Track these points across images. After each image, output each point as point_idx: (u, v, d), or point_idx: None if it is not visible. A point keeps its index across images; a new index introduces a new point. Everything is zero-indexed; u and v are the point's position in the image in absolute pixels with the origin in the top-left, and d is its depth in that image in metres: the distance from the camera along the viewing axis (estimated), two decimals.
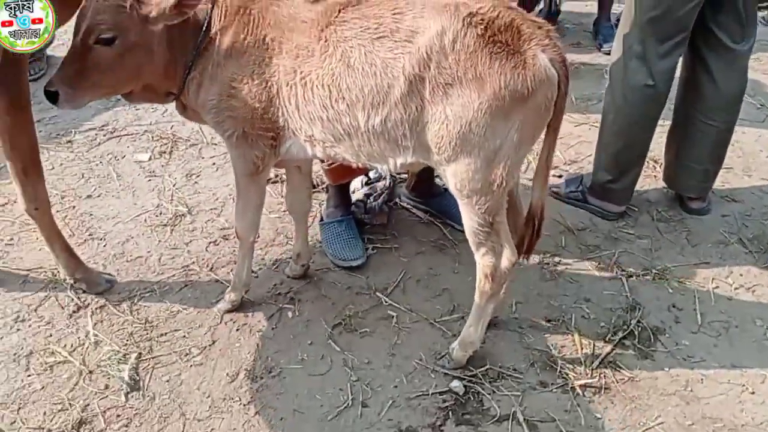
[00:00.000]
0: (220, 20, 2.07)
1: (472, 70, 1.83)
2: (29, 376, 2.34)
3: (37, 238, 2.70)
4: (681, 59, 2.86)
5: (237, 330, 2.53)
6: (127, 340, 2.47)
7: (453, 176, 2.01)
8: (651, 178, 3.36)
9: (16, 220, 2.95)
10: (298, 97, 2.03)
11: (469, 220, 2.09)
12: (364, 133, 2.01)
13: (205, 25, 2.08)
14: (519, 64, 1.83)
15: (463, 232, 2.88)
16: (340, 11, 1.98)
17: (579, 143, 3.64)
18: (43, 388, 2.30)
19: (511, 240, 2.18)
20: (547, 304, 2.66)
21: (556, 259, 2.88)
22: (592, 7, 5.04)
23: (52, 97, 2.02)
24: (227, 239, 2.94)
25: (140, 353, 2.42)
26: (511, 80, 1.83)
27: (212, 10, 2.08)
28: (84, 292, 2.63)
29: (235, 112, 2.11)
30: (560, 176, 3.31)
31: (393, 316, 2.59)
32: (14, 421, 2.19)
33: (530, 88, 1.85)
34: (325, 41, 1.97)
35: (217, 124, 2.19)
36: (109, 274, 2.71)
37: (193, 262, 2.82)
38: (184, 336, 2.50)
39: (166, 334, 2.51)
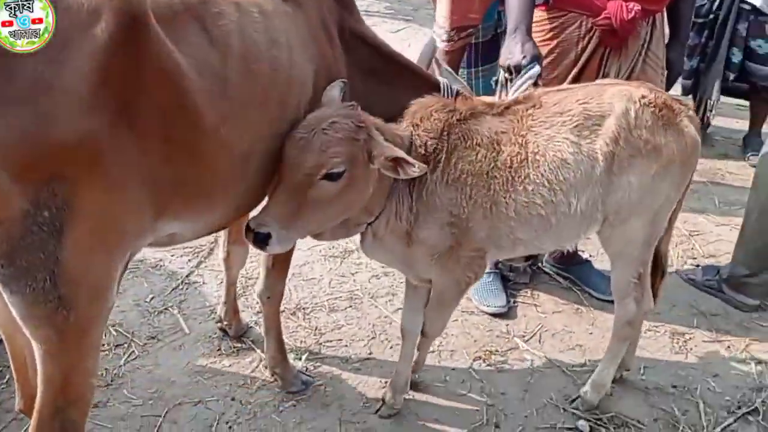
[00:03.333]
0: (423, 146, 2.10)
1: (652, 142, 2.16)
2: (220, 354, 2.83)
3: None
4: None
5: (391, 348, 2.91)
6: (301, 342, 2.91)
7: (621, 236, 2.27)
8: None
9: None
10: (518, 202, 2.11)
11: (622, 274, 2.38)
12: (572, 218, 2.16)
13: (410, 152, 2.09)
14: (679, 133, 2.20)
15: (598, 299, 3.21)
16: (529, 115, 2.15)
17: (718, 241, 3.84)
18: (230, 365, 2.78)
19: (650, 289, 2.46)
20: (675, 373, 2.84)
21: (687, 337, 3.07)
22: (741, 125, 5.28)
23: (263, 239, 1.91)
24: (387, 275, 3.37)
25: (310, 352, 2.85)
26: (678, 147, 2.19)
27: (412, 137, 2.11)
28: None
29: (454, 240, 2.13)
30: (698, 266, 3.51)
31: (529, 360, 2.88)
32: (207, 387, 2.66)
33: (689, 152, 2.23)
34: (534, 143, 2.12)
35: (427, 255, 2.17)
36: (309, 376, 2.72)
37: (358, 290, 3.27)
38: (346, 345, 2.92)
39: (331, 341, 2.94)
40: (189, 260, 3.41)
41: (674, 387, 2.76)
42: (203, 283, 3.27)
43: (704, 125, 5.13)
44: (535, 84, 2.43)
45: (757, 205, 3.17)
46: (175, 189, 1.74)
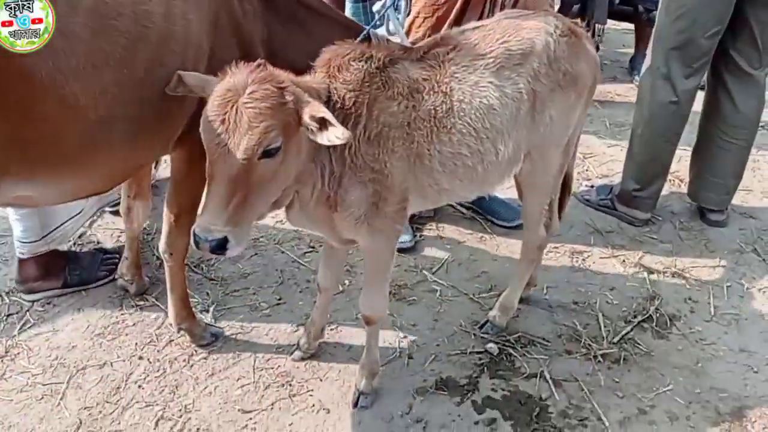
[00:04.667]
0: (342, 100, 1.88)
1: (570, 72, 2.14)
2: (122, 314, 2.72)
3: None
4: (705, 81, 3.23)
5: (300, 292, 2.89)
6: (206, 294, 2.84)
7: (540, 169, 2.26)
8: (675, 194, 3.68)
9: None
10: (443, 153, 2.00)
11: (536, 204, 2.43)
12: (499, 164, 2.09)
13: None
14: (588, 58, 2.22)
15: (501, 226, 3.28)
16: (450, 60, 2.02)
17: (611, 161, 3.99)
18: (134, 324, 2.68)
19: (557, 213, 2.55)
20: (575, 290, 2.97)
21: (585, 254, 3.20)
22: (627, 48, 5.46)
23: (220, 245, 1.67)
24: None
25: (217, 303, 2.79)
26: (590, 72, 2.22)
27: (329, 90, 1.89)
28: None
29: (378, 196, 1.96)
30: (592, 186, 3.65)
31: (437, 290, 2.93)
32: (111, 348, 2.56)
33: (597, 75, 2.27)
34: (458, 90, 2.00)
35: (353, 218, 1.98)
36: (218, 327, 2.65)
37: (262, 236, 3.20)
38: (254, 293, 2.87)
39: (238, 290, 2.88)
40: None
41: (575, 303, 2.88)
42: (97, 242, 3.12)
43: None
44: None
45: (641, 120, 3.30)
46: (15, 147, 1.65)
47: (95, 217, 3.25)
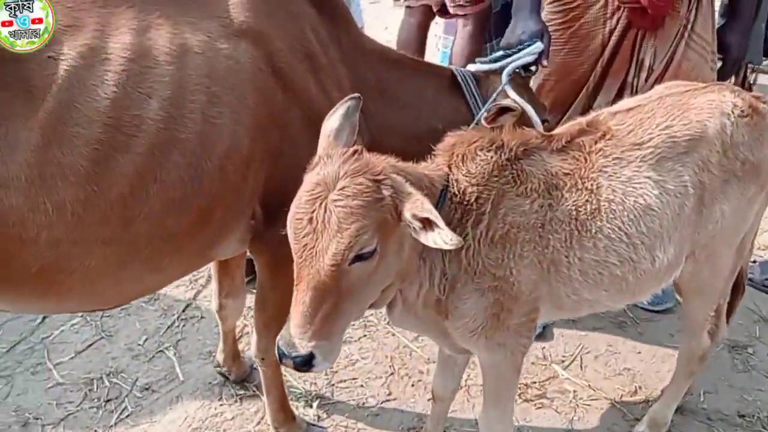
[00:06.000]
0: (461, 194, 1.63)
1: (750, 160, 1.78)
2: (221, 405, 2.52)
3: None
4: None
5: (412, 386, 2.58)
6: (311, 384, 2.59)
7: (706, 271, 1.90)
8: None
9: None
10: (585, 261, 1.70)
11: (699, 310, 2.06)
12: (656, 271, 1.77)
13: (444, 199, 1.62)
14: None
15: (643, 309, 2.85)
16: (598, 151, 1.72)
17: None
18: (233, 418, 2.47)
19: (725, 316, 2.15)
20: (740, 397, 2.50)
21: (750, 350, 2.72)
22: None
23: (306, 362, 1.46)
24: None
25: (321, 397, 2.53)
26: None
27: (448, 180, 1.63)
28: None
29: (499, 307, 1.69)
30: (755, 261, 3.13)
31: (571, 391, 2.54)
32: None
33: None
34: (608, 187, 1.70)
35: (467, 328, 1.71)
36: (321, 427, 2.43)
37: (372, 315, 2.93)
38: (362, 385, 2.59)
39: (345, 381, 2.61)
40: (186, 291, 3.10)
41: (741, 416, 2.42)
42: (201, 317, 2.95)
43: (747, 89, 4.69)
44: (536, 63, 2.12)
45: None
46: None
47: (201, 287, 3.11)
